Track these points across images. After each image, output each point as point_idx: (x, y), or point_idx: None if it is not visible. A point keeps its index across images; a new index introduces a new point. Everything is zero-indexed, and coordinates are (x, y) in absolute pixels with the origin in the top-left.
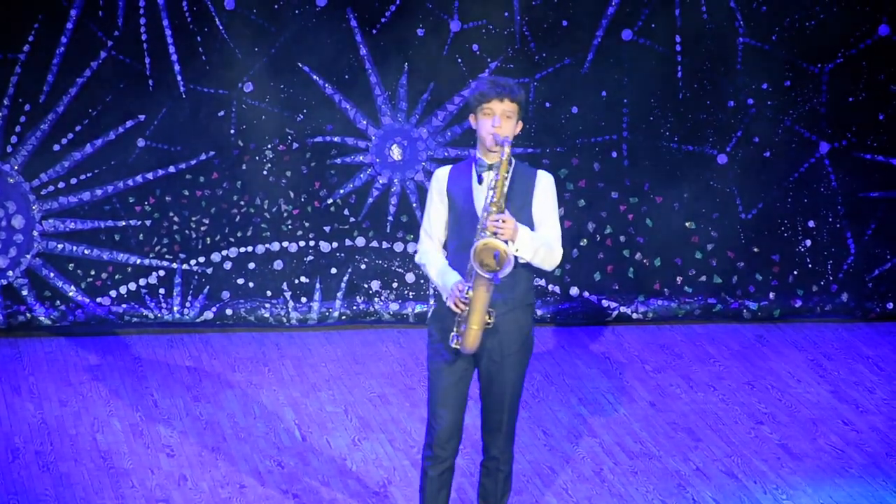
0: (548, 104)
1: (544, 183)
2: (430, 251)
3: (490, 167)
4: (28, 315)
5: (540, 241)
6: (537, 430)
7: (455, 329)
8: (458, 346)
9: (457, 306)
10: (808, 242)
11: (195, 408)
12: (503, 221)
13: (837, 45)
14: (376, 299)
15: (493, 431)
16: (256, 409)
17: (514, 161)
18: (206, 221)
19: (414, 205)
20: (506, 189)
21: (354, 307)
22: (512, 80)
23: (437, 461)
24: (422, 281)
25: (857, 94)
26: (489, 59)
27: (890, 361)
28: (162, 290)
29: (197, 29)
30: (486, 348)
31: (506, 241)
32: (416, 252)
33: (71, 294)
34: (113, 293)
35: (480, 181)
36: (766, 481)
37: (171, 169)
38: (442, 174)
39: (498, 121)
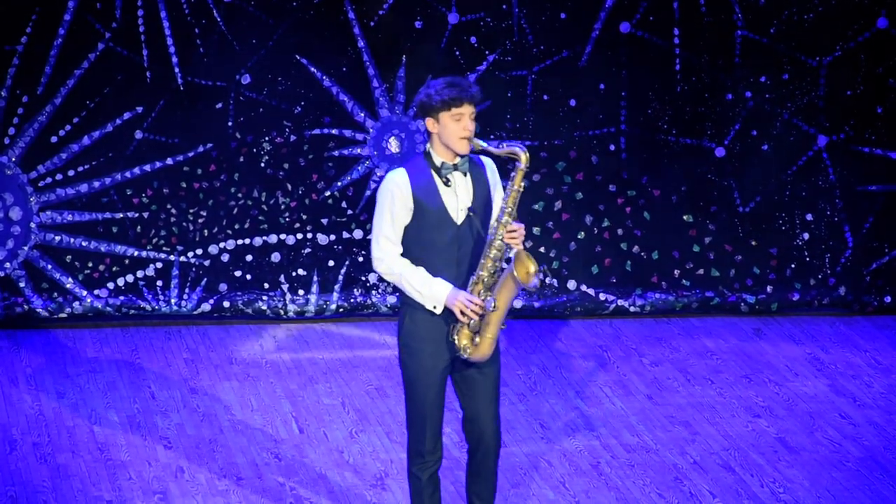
0: (545, 97)
1: (492, 167)
2: (400, 259)
3: (455, 167)
4: (25, 307)
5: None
6: (534, 423)
7: (455, 338)
8: (469, 356)
9: (464, 315)
10: (806, 236)
11: (192, 400)
12: (516, 231)
13: (836, 38)
14: (374, 292)
15: (484, 425)
16: (254, 401)
17: (467, 160)
18: (204, 214)
19: None
20: (517, 198)
21: (352, 299)
22: (468, 79)
23: (428, 466)
24: None
25: (856, 88)
26: (487, 52)
27: (887, 355)
28: (159, 283)
29: (195, 21)
30: None
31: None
32: (375, 258)
33: (68, 286)
34: (110, 285)
35: (448, 183)
36: (764, 474)
37: (169, 161)
38: (402, 179)
39: (470, 124)
